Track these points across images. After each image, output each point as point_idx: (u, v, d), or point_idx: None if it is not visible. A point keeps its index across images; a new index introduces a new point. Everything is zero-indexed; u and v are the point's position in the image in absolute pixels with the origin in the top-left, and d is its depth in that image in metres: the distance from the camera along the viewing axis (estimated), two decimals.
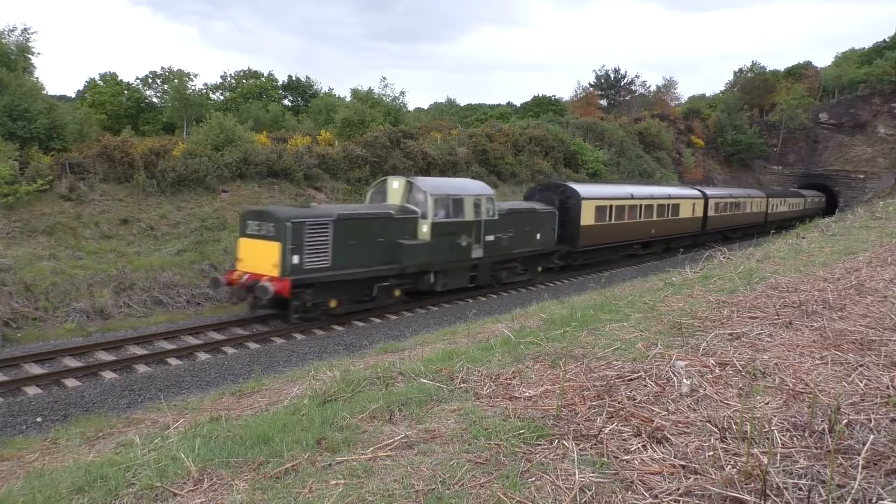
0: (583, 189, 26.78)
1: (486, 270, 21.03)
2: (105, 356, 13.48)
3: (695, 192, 36.30)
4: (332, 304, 16.60)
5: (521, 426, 4.38)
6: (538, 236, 22.99)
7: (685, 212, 33.83)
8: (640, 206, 29.74)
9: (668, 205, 32.20)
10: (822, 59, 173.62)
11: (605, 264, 28.84)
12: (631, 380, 5.24)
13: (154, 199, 22.05)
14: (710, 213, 36.73)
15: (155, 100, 60.19)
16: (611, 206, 27.48)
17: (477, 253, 20.11)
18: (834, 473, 3.41)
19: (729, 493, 3.32)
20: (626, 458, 3.86)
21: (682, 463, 3.72)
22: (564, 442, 4.11)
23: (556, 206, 24.85)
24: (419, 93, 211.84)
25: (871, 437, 3.81)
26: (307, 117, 55.90)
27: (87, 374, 12.48)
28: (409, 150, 31.79)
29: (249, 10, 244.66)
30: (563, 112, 60.26)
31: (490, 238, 20.46)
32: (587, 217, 25.88)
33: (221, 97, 62.92)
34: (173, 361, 13.54)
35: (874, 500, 3.19)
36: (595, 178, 41.21)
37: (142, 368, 13.06)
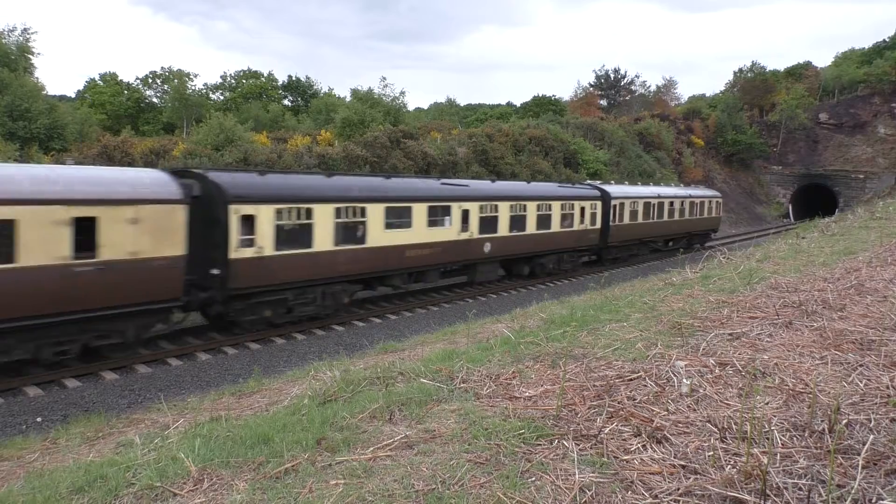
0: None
1: None
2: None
3: None
4: None
5: (521, 426, 4.37)
6: None
7: None
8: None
9: None
10: (822, 59, 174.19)
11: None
12: (631, 380, 5.24)
13: None
14: None
15: (155, 100, 60.35)
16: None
17: None
18: (834, 473, 3.41)
19: (729, 493, 3.32)
20: (626, 458, 3.86)
21: (682, 463, 3.72)
22: (564, 442, 4.11)
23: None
24: (419, 93, 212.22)
25: (871, 437, 3.80)
26: (307, 117, 56.00)
27: (88, 374, 12.47)
28: (409, 150, 31.81)
29: (250, 10, 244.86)
30: (562, 112, 60.30)
31: None
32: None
33: (221, 97, 63.03)
34: (173, 361, 13.53)
35: (874, 500, 3.19)
36: (595, 177, 41.23)
37: (142, 368, 13.05)
